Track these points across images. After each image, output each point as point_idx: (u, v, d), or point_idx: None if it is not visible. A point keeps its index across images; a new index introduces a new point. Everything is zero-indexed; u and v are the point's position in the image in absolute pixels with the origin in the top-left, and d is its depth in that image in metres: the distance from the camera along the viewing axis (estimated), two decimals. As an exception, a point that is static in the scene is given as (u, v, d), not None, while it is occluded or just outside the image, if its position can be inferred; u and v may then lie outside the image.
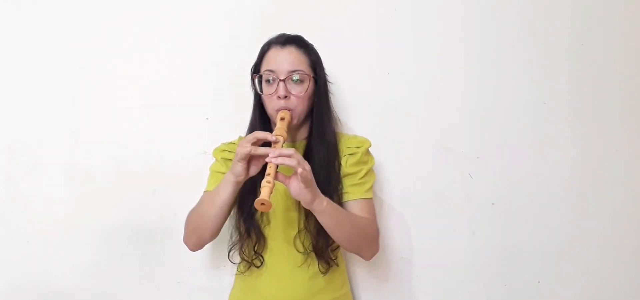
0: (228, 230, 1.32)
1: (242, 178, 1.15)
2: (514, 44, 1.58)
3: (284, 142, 1.16)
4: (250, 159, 1.14)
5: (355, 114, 1.54)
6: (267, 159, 1.10)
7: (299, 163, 1.09)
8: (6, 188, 1.53)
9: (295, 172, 1.10)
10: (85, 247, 1.53)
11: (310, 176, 1.11)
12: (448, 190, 1.57)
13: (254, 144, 1.13)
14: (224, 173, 1.28)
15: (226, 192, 1.17)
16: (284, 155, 1.09)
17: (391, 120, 1.56)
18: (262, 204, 1.05)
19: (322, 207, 1.14)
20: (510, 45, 1.58)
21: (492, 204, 1.58)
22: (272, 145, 1.14)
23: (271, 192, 1.06)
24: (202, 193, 1.32)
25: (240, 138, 1.35)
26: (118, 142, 1.53)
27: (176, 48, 1.54)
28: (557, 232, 1.59)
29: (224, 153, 1.33)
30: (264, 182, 1.07)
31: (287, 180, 1.13)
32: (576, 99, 1.59)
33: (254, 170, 1.16)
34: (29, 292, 1.53)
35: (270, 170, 1.09)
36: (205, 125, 1.53)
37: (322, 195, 1.14)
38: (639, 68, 1.61)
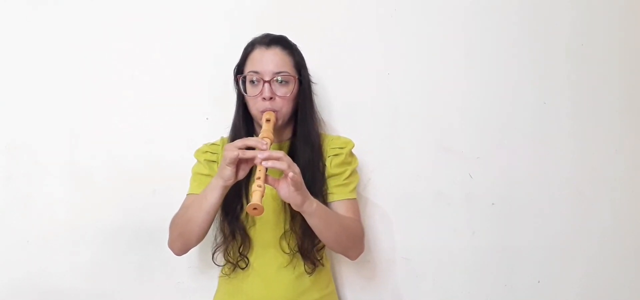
0: (212, 232, 1.32)
1: (230, 182, 1.14)
2: (514, 44, 1.58)
3: (271, 144, 1.14)
4: (238, 162, 1.13)
5: (354, 113, 1.54)
6: (256, 161, 1.09)
7: (289, 166, 1.08)
8: (6, 188, 1.53)
9: (285, 175, 1.09)
10: (85, 247, 1.53)
11: (301, 179, 1.10)
12: (448, 190, 1.57)
13: (241, 148, 1.11)
14: (206, 175, 1.28)
15: (214, 196, 1.15)
16: (274, 158, 1.08)
17: (391, 120, 1.56)
18: (255, 208, 1.04)
19: (312, 208, 1.13)
20: (510, 45, 1.58)
21: (492, 204, 1.58)
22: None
23: (262, 196, 1.05)
24: (185, 196, 1.30)
25: (223, 139, 1.35)
26: (118, 142, 1.53)
27: (176, 48, 1.54)
28: (557, 232, 1.59)
29: (207, 155, 1.33)
30: (254, 187, 1.06)
31: (276, 184, 1.12)
32: (576, 99, 1.59)
33: (242, 173, 1.14)
34: (29, 292, 1.53)
35: (259, 174, 1.08)
36: (205, 125, 1.53)
37: (311, 197, 1.13)
38: (639, 68, 1.61)
